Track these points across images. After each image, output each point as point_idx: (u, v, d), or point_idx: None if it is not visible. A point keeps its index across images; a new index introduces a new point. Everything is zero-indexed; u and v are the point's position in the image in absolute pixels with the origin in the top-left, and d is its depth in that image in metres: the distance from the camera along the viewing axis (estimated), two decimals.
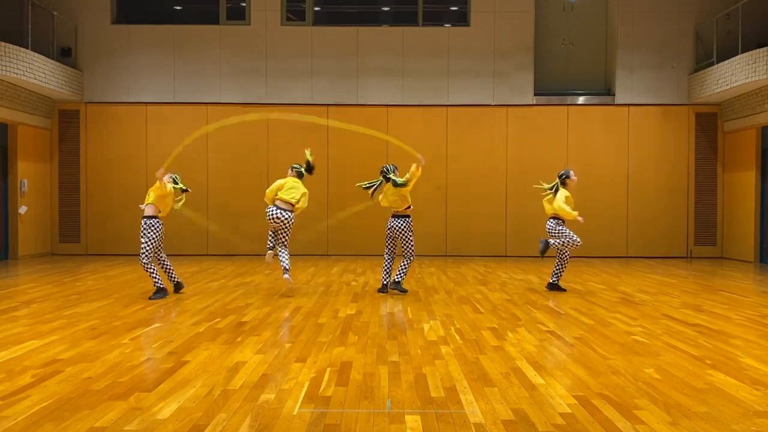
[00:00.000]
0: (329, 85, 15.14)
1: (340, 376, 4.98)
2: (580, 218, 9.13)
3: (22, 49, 12.70)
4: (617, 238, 15.04)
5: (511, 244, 15.18)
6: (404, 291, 9.15)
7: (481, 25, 15.16)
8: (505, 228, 15.19)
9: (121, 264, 12.92)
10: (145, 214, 8.56)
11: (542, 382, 4.84)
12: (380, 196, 9.10)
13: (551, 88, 15.41)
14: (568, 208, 9.15)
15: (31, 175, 14.35)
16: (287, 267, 8.91)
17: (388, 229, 8.99)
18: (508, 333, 6.61)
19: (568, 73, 15.54)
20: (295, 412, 4.13)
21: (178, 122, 14.97)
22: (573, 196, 9.44)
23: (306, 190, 9.02)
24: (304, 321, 7.20)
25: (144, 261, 8.44)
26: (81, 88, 15.01)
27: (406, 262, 9.07)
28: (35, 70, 13.08)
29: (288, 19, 15.29)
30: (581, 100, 15.31)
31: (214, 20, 15.26)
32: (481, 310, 8.00)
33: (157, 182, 8.43)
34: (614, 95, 15.15)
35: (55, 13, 14.41)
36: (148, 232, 8.47)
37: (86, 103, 15.12)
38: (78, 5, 15.08)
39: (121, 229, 14.75)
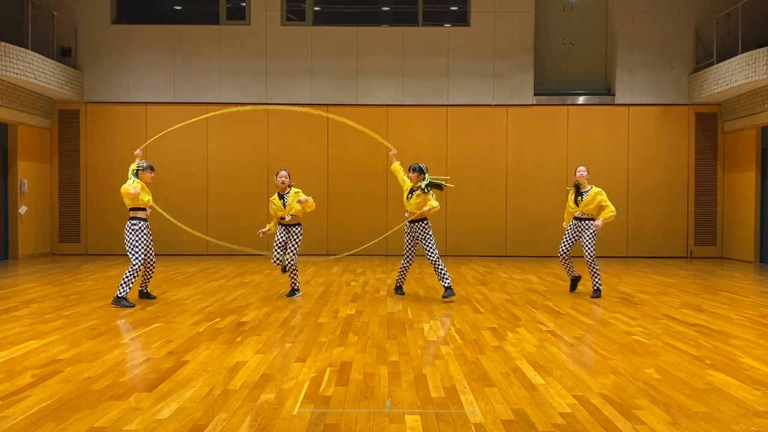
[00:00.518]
0: (329, 85, 15.14)
1: (340, 376, 4.98)
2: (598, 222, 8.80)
3: (22, 49, 12.70)
4: (617, 238, 15.02)
5: (511, 244, 15.18)
6: (453, 294, 8.56)
7: (481, 25, 15.16)
8: (505, 228, 15.19)
9: (121, 264, 12.90)
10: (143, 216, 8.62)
11: (542, 382, 4.84)
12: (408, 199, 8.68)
13: (551, 88, 15.40)
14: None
15: (31, 175, 14.35)
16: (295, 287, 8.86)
17: (407, 233, 8.70)
18: (508, 333, 6.61)
19: (568, 73, 15.54)
20: (295, 412, 4.13)
21: (178, 122, 14.83)
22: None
23: (297, 190, 8.65)
24: (304, 321, 7.20)
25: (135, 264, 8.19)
26: (81, 88, 15.00)
27: (439, 267, 8.48)
28: (35, 70, 13.07)
29: (288, 19, 15.29)
30: (581, 100, 15.30)
31: (214, 20, 15.26)
32: (481, 310, 8.00)
33: (127, 185, 8.12)
34: (614, 95, 15.15)
35: (55, 13, 14.41)
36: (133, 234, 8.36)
37: (86, 103, 15.12)
38: (78, 5, 15.07)
39: (121, 229, 14.47)
